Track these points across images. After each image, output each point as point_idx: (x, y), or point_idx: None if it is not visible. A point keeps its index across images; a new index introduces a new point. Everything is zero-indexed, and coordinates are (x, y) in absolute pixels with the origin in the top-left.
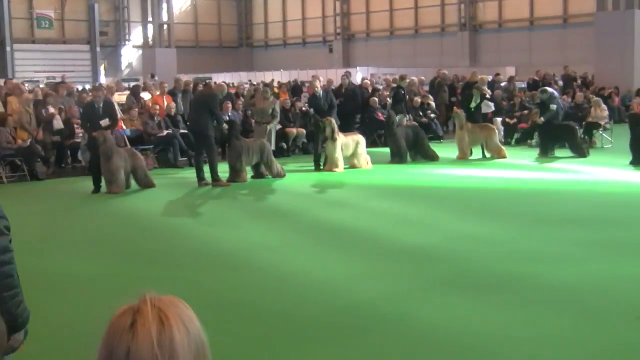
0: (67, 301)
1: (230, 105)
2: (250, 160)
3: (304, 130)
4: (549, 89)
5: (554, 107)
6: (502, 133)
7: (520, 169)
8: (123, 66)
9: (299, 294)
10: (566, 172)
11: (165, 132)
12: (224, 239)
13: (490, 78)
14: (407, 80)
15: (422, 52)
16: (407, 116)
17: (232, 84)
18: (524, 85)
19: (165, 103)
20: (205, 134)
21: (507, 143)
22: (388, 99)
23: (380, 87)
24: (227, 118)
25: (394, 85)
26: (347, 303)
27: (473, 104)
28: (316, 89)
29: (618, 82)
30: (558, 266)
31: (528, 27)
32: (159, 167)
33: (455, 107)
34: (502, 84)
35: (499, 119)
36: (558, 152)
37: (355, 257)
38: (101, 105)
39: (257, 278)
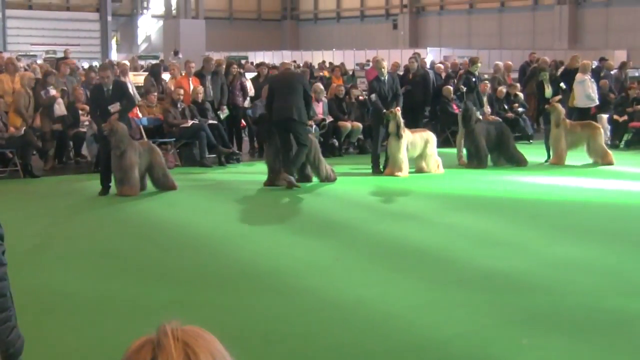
0: (68, 327)
1: None
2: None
3: (360, 125)
4: None
5: None
6: (609, 133)
7: (632, 178)
8: (139, 40)
9: (356, 326)
10: None
11: (190, 123)
12: (263, 256)
13: (595, 64)
14: (479, 65)
15: (509, 30)
16: (480, 110)
17: (273, 65)
18: (638, 74)
19: (192, 87)
20: (305, 122)
21: (614, 146)
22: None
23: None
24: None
25: (460, 70)
26: (413, 339)
27: (548, 93)
28: (382, 70)
29: None
30: None
31: None
32: (182, 165)
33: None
34: (612, 72)
35: (605, 116)
36: None
37: (423, 282)
38: (110, 88)
39: (305, 305)
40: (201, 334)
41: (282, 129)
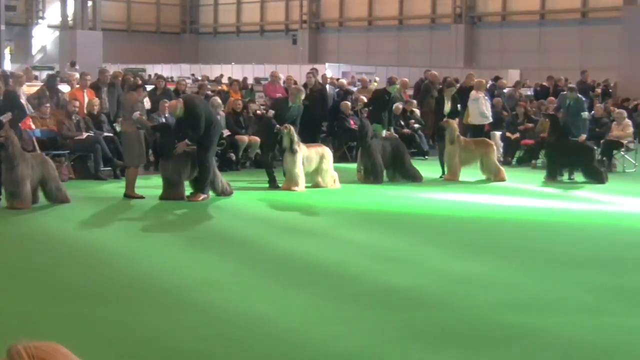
0: None
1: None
2: (191, 172)
3: (258, 139)
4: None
5: (585, 114)
6: (502, 150)
7: (523, 195)
8: (34, 50)
9: (253, 342)
10: (579, 201)
11: (85, 135)
12: (158, 272)
13: (489, 83)
14: (397, 86)
15: (407, 48)
16: (387, 128)
17: (171, 78)
18: (530, 92)
19: (87, 99)
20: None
21: (507, 163)
22: (365, 105)
23: (354, 89)
24: (163, 121)
25: (374, 86)
26: (310, 354)
27: (447, 109)
28: (297, 99)
29: None
30: (571, 317)
31: (538, 22)
32: (76, 178)
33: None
34: (505, 90)
35: (498, 133)
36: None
37: (320, 298)
38: (1, 98)
39: (200, 322)
40: (57, 348)
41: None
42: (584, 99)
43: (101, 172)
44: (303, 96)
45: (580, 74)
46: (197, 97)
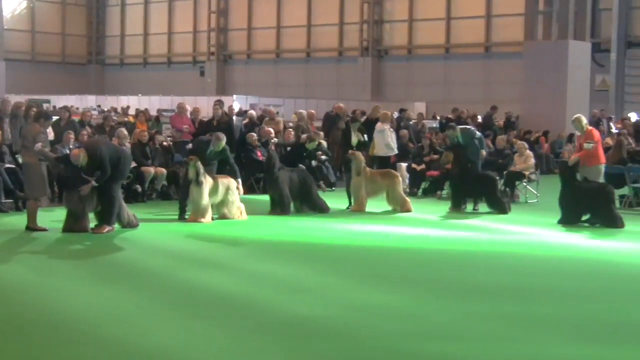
0: None
1: (72, 136)
2: (96, 204)
3: (164, 170)
4: (461, 127)
5: (483, 152)
6: (408, 181)
7: (429, 225)
8: None
9: None
10: (483, 231)
11: None
12: (61, 305)
13: (396, 115)
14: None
15: (314, 80)
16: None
17: (77, 109)
18: (435, 124)
19: None
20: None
21: (413, 194)
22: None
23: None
24: (67, 152)
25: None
26: None
27: (355, 140)
28: (218, 145)
29: (548, 125)
30: (475, 345)
31: (444, 55)
32: None
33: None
34: (411, 122)
35: (404, 165)
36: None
37: (225, 329)
38: None
39: (104, 355)
40: None
41: None
42: (474, 130)
43: (2, 204)
44: (223, 144)
45: (491, 108)
46: (98, 140)
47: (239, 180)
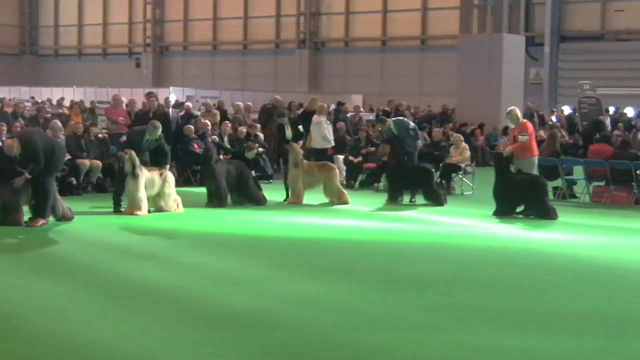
0: None
1: (5, 128)
2: (30, 197)
3: (100, 163)
4: (394, 118)
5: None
6: (345, 174)
7: (365, 217)
8: None
9: None
10: (419, 222)
11: None
12: None
13: (333, 107)
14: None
15: (252, 72)
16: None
17: (10, 100)
18: (372, 117)
19: None
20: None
21: (350, 186)
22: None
23: (198, 112)
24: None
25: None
26: None
27: (289, 134)
28: (154, 131)
29: (483, 117)
30: (409, 336)
31: (380, 48)
32: None
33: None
34: (348, 115)
35: (341, 157)
36: (410, 199)
37: (161, 322)
38: None
39: (37, 350)
40: None
41: None
42: (407, 121)
43: None
44: (159, 132)
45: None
46: (32, 130)
47: (167, 165)
